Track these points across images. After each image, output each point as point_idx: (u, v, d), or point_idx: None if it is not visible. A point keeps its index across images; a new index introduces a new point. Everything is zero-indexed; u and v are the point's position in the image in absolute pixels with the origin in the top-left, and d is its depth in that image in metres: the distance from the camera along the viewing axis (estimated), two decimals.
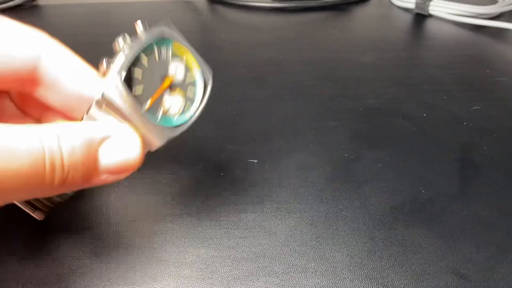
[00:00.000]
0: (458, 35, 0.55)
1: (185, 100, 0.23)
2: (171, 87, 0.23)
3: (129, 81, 0.21)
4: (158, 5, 0.65)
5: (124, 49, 0.21)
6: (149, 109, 0.21)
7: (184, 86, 0.23)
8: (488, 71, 0.46)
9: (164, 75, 0.22)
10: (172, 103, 0.23)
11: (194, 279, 0.24)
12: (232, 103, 0.39)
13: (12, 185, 0.17)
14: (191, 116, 0.23)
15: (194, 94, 0.24)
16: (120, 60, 0.20)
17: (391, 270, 0.25)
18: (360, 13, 0.62)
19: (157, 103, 0.22)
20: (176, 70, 0.23)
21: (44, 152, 0.18)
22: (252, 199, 0.29)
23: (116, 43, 0.21)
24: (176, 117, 0.23)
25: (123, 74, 0.20)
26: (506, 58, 0.49)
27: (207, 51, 0.49)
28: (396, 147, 0.34)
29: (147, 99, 0.21)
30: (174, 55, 0.23)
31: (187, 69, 0.24)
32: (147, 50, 0.22)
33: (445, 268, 0.25)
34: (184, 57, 0.24)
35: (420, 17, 0.59)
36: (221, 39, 0.53)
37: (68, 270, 0.24)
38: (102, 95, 0.20)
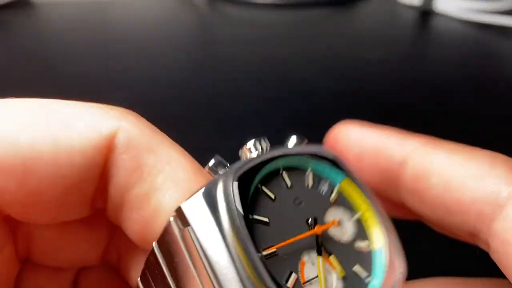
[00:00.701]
0: (464, 32, 0.54)
1: (341, 281, 0.14)
2: (323, 247, 0.14)
3: (245, 201, 0.13)
4: (155, 1, 0.64)
5: (252, 154, 0.15)
6: (268, 258, 0.13)
7: (345, 255, 0.15)
8: (494, 68, 0.45)
9: (314, 219, 0.14)
10: (319, 271, 0.14)
11: None
12: (234, 100, 0.38)
13: None
14: None
15: (371, 273, 0.15)
16: (240, 165, 0.14)
17: None
18: (364, 10, 0.61)
19: (287, 258, 0.13)
20: (336, 220, 0.15)
21: None
22: None
23: (245, 147, 0.15)
24: None
25: (235, 183, 0.13)
26: None
27: (206, 48, 0.48)
28: None
29: (272, 242, 0.13)
30: (341, 200, 0.15)
31: (359, 230, 0.15)
32: (294, 168, 0.15)
33: (450, 272, 0.24)
34: (360, 213, 0.15)
35: (425, 14, 0.58)
36: (220, 36, 0.52)
37: None
38: (176, 216, 0.13)
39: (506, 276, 0.14)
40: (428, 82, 0.42)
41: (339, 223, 0.15)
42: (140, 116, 0.15)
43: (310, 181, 0.15)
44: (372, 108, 0.38)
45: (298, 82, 0.42)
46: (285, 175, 0.15)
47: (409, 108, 0.38)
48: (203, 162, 0.15)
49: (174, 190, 0.14)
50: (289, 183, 0.15)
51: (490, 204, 0.14)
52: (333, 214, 0.15)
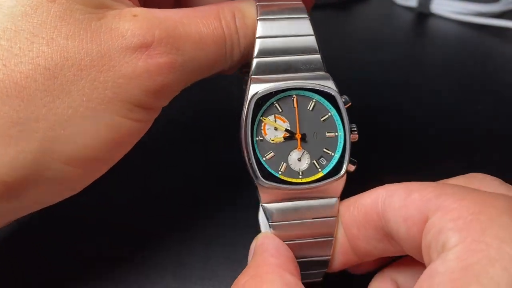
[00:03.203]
0: (461, 34, 0.54)
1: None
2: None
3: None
4: None
5: None
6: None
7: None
8: (491, 70, 0.45)
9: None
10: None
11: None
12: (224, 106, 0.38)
13: (201, 69, 0.21)
14: None
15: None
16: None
17: None
18: (361, 12, 0.61)
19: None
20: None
21: (224, 33, 0.22)
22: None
23: None
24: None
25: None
26: (509, 57, 0.48)
27: None
28: (398, 148, 0.33)
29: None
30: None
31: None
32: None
33: None
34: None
35: (422, 16, 0.58)
36: None
37: None
38: None
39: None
40: (424, 83, 0.42)
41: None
42: None
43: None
44: (369, 109, 0.38)
45: None
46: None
47: (406, 109, 0.38)
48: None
49: None
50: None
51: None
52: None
